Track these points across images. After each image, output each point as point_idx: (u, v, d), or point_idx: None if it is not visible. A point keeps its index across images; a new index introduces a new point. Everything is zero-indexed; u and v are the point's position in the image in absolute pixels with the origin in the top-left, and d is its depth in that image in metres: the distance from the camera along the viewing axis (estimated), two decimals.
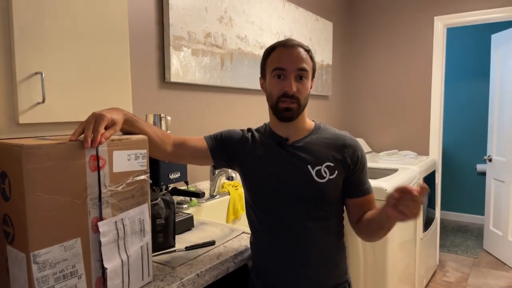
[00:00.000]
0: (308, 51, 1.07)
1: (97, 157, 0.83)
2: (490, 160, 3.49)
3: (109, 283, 0.85)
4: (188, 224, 1.40)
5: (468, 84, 4.47)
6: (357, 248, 2.12)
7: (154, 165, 1.21)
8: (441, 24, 3.17)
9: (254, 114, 2.36)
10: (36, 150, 0.73)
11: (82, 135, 0.82)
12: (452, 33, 4.32)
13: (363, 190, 1.11)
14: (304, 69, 1.04)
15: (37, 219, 0.74)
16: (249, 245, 1.22)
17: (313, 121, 1.17)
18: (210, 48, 1.95)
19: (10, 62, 0.91)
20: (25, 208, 0.72)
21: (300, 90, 1.04)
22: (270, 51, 1.08)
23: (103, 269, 0.85)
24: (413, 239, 2.48)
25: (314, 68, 1.09)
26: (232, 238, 1.30)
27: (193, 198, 1.74)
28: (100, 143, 0.82)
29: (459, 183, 4.58)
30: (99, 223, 0.83)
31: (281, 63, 1.04)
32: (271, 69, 1.06)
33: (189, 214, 1.43)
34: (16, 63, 0.91)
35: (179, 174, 1.31)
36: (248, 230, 1.34)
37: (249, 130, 1.20)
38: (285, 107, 1.05)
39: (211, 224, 1.47)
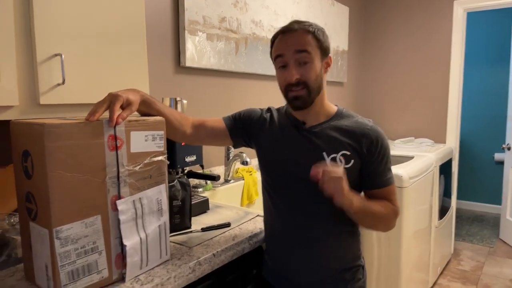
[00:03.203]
0: (310, 32, 1.01)
1: (115, 137, 0.84)
2: (508, 149, 3.42)
3: (128, 259, 0.88)
4: (203, 206, 1.42)
5: (487, 70, 4.36)
6: (371, 235, 2.12)
7: (171, 148, 1.22)
8: (461, 9, 3.08)
9: (268, 100, 2.35)
10: (57, 128, 0.75)
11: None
12: (472, 17, 4.20)
13: (379, 183, 1.07)
14: (303, 51, 0.99)
15: (59, 196, 0.76)
16: (263, 228, 1.23)
17: (336, 105, 1.14)
18: (225, 33, 1.94)
19: (31, 43, 0.93)
20: (48, 186, 0.74)
21: (304, 75, 1.00)
22: (273, 41, 1.06)
23: (122, 246, 0.87)
24: (428, 227, 2.47)
25: (322, 47, 1.03)
26: (247, 221, 1.31)
27: (208, 182, 1.76)
28: (117, 123, 0.83)
29: (476, 172, 4.50)
30: (117, 202, 0.85)
31: (280, 50, 1.02)
32: (274, 59, 1.05)
33: (204, 197, 1.45)
34: (37, 44, 0.93)
35: (195, 157, 1.33)
36: (262, 213, 1.35)
37: (268, 109, 1.19)
38: (293, 96, 1.03)
39: (226, 207, 1.49)
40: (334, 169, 0.92)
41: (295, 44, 1.00)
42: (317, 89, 1.04)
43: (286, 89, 1.04)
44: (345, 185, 0.93)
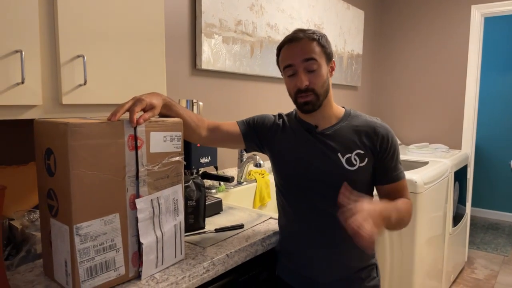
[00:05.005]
0: (314, 39, 1.05)
1: (135, 137, 0.86)
2: None
3: (144, 257, 0.89)
4: (217, 207, 1.43)
5: (504, 76, 4.29)
6: (384, 241, 2.11)
7: (186, 149, 1.24)
8: (478, 13, 3.05)
9: (283, 103, 2.36)
10: (80, 128, 0.77)
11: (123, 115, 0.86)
12: (489, 22, 4.14)
13: (392, 177, 1.10)
14: (310, 59, 1.04)
15: (80, 193, 0.78)
16: (276, 230, 1.24)
17: (343, 107, 1.17)
18: (241, 36, 1.96)
19: (55, 45, 0.96)
20: (70, 183, 0.76)
21: (313, 81, 1.05)
22: (279, 50, 1.11)
23: (139, 244, 0.89)
24: (442, 234, 2.44)
25: (327, 52, 1.07)
26: (260, 223, 1.32)
27: (221, 183, 1.78)
28: (138, 123, 0.85)
29: (492, 179, 4.43)
30: (137, 200, 0.87)
31: (288, 60, 1.06)
32: (283, 68, 1.10)
33: (218, 198, 1.46)
34: (60, 46, 0.95)
35: (209, 159, 1.34)
36: (275, 215, 1.36)
37: (280, 116, 1.21)
38: (303, 102, 1.07)
39: (239, 208, 1.50)
40: (361, 210, 0.87)
41: (302, 53, 1.04)
42: (325, 93, 1.08)
43: (296, 95, 1.08)
44: (374, 222, 0.87)
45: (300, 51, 1.04)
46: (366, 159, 1.07)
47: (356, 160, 1.07)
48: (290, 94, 1.11)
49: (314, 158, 1.09)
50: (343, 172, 1.06)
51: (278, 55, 1.12)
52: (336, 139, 1.09)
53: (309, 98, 1.05)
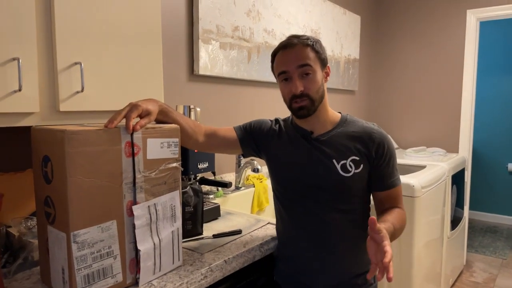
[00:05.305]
0: (308, 44, 1.05)
1: (132, 144, 0.86)
2: None
3: (142, 264, 0.89)
4: (215, 213, 1.43)
5: (501, 79, 4.31)
6: None
7: (184, 155, 1.24)
8: (473, 18, 3.07)
9: (280, 108, 2.37)
10: (77, 135, 0.77)
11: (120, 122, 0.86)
12: (485, 26, 4.17)
13: (387, 184, 1.10)
14: (305, 65, 1.04)
15: (77, 200, 0.78)
16: (274, 235, 1.24)
17: (339, 113, 1.17)
18: (238, 41, 1.97)
19: (52, 52, 0.96)
20: (67, 190, 0.76)
21: (307, 86, 1.05)
22: (274, 56, 1.11)
23: (137, 251, 0.89)
24: (440, 237, 2.44)
25: (321, 58, 1.07)
26: (258, 228, 1.32)
27: (219, 189, 1.78)
28: (135, 130, 0.86)
29: (489, 182, 4.44)
30: (133, 207, 0.87)
31: (283, 66, 1.06)
32: (277, 74, 1.10)
33: (216, 203, 1.46)
34: (58, 53, 0.96)
35: (207, 164, 1.34)
36: (273, 221, 1.36)
37: (276, 121, 1.22)
38: (298, 107, 1.07)
39: (237, 214, 1.50)
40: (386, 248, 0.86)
41: (296, 59, 1.04)
42: (319, 98, 1.08)
43: (291, 101, 1.08)
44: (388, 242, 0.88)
45: (294, 57, 1.04)
46: (362, 166, 1.07)
47: (351, 167, 1.07)
48: (285, 100, 1.11)
49: (309, 164, 1.09)
50: (338, 178, 1.06)
51: (272, 61, 1.12)
52: (331, 145, 1.09)
53: (304, 103, 1.06)
